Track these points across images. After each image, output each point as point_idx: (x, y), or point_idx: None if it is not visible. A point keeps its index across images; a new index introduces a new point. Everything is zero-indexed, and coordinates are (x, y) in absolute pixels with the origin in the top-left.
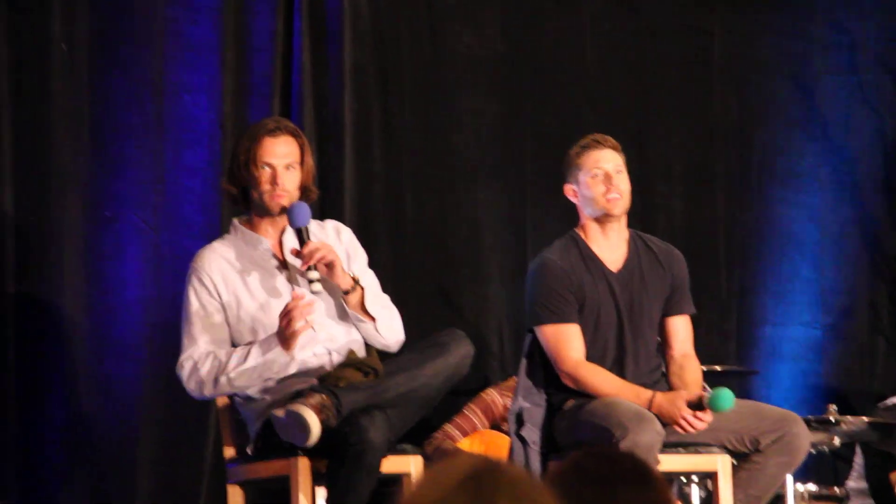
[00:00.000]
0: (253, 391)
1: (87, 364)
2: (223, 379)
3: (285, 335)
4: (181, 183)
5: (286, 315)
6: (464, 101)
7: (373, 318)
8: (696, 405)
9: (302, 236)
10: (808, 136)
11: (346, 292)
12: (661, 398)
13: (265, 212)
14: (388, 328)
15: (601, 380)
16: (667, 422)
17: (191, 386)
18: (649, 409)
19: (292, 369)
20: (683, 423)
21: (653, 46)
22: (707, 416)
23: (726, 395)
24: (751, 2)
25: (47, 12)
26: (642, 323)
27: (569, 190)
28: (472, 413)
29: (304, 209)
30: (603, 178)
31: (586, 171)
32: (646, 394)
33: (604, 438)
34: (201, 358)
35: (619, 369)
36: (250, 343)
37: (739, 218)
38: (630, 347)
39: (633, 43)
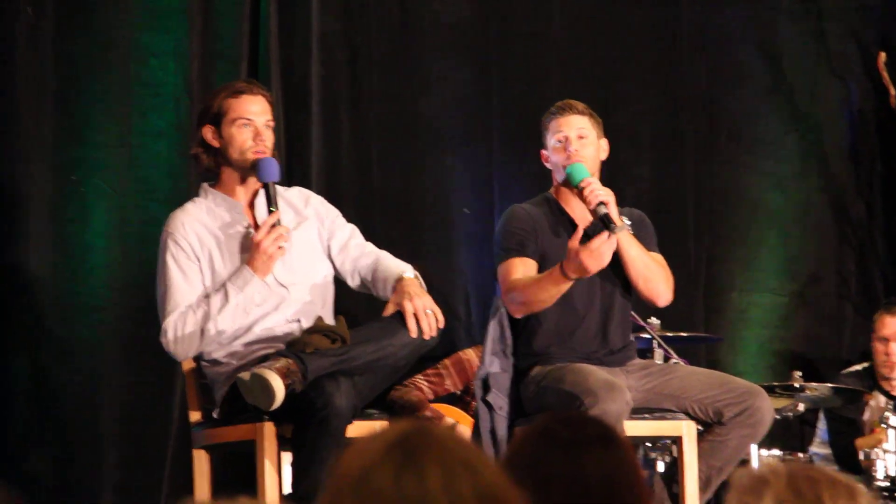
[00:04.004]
0: (219, 354)
1: (52, 328)
2: (210, 326)
3: (262, 260)
4: (147, 147)
5: (260, 241)
6: (431, 67)
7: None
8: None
9: (269, 191)
10: (775, 104)
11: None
12: (565, 262)
13: (241, 171)
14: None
15: (524, 283)
16: (584, 259)
17: (178, 350)
18: (565, 271)
19: (270, 301)
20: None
21: (621, 13)
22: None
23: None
24: None
25: None
26: (613, 275)
27: (543, 155)
28: (447, 371)
29: (274, 164)
30: (565, 143)
31: (551, 136)
32: (556, 269)
33: (572, 405)
34: (180, 318)
35: (595, 321)
36: (222, 287)
37: (706, 185)
38: (598, 301)
39: (601, 9)
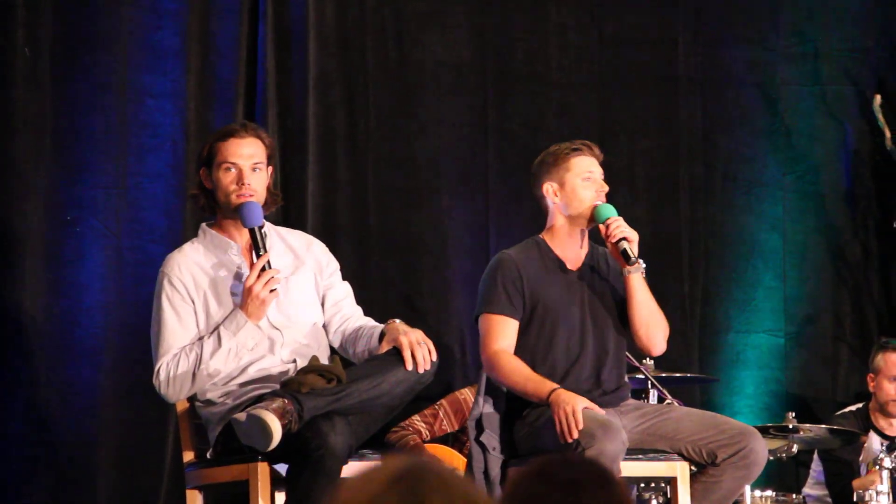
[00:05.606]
0: (214, 395)
1: (47, 369)
2: (202, 369)
3: (255, 305)
4: (143, 188)
5: (251, 287)
6: (428, 109)
7: None
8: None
9: (255, 236)
10: (772, 146)
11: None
12: (563, 391)
13: (232, 214)
14: None
15: (511, 368)
16: (553, 410)
17: (170, 392)
18: (548, 398)
19: (263, 345)
20: (566, 417)
21: (617, 55)
22: (580, 424)
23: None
24: (715, 11)
25: (11, 18)
26: (607, 316)
27: (548, 189)
28: (443, 410)
29: (256, 208)
30: (593, 182)
31: (576, 174)
32: (550, 385)
33: (568, 446)
34: (173, 361)
35: (590, 362)
36: (215, 329)
37: (702, 226)
38: (591, 341)
39: (598, 51)
